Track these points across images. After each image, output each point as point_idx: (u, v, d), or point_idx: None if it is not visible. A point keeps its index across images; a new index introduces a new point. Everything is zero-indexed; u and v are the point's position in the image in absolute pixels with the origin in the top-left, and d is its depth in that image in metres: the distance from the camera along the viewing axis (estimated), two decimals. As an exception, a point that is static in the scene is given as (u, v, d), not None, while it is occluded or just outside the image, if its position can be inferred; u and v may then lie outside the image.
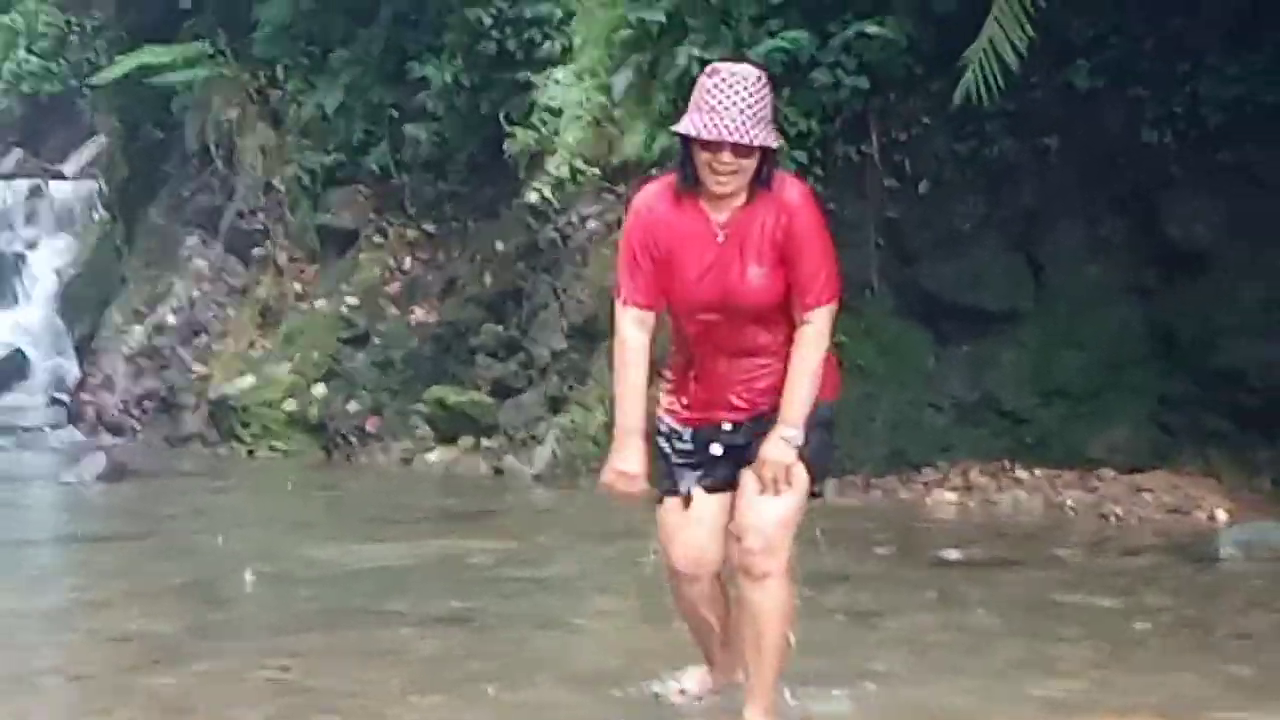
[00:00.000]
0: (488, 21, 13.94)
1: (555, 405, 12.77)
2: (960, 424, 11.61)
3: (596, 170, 12.79)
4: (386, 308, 14.91)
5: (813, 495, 5.42)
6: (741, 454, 5.34)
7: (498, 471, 12.96)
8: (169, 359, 16.60)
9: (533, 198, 13.06)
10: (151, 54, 16.71)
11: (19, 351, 22.03)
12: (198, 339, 16.55)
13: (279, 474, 14.10)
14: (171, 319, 16.85)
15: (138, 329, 17.19)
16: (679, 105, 11.57)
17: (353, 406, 14.50)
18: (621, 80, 11.97)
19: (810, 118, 11.35)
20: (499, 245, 14.08)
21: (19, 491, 13.56)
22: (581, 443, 12.11)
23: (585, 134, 12.82)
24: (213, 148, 16.66)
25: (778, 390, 5.26)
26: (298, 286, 15.79)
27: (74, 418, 17.70)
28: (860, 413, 11.56)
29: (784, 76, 11.29)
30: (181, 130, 17.66)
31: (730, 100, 4.98)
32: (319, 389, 14.70)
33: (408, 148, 15.02)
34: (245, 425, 14.94)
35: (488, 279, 14.12)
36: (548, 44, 13.50)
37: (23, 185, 24.45)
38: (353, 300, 15.09)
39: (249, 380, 15.19)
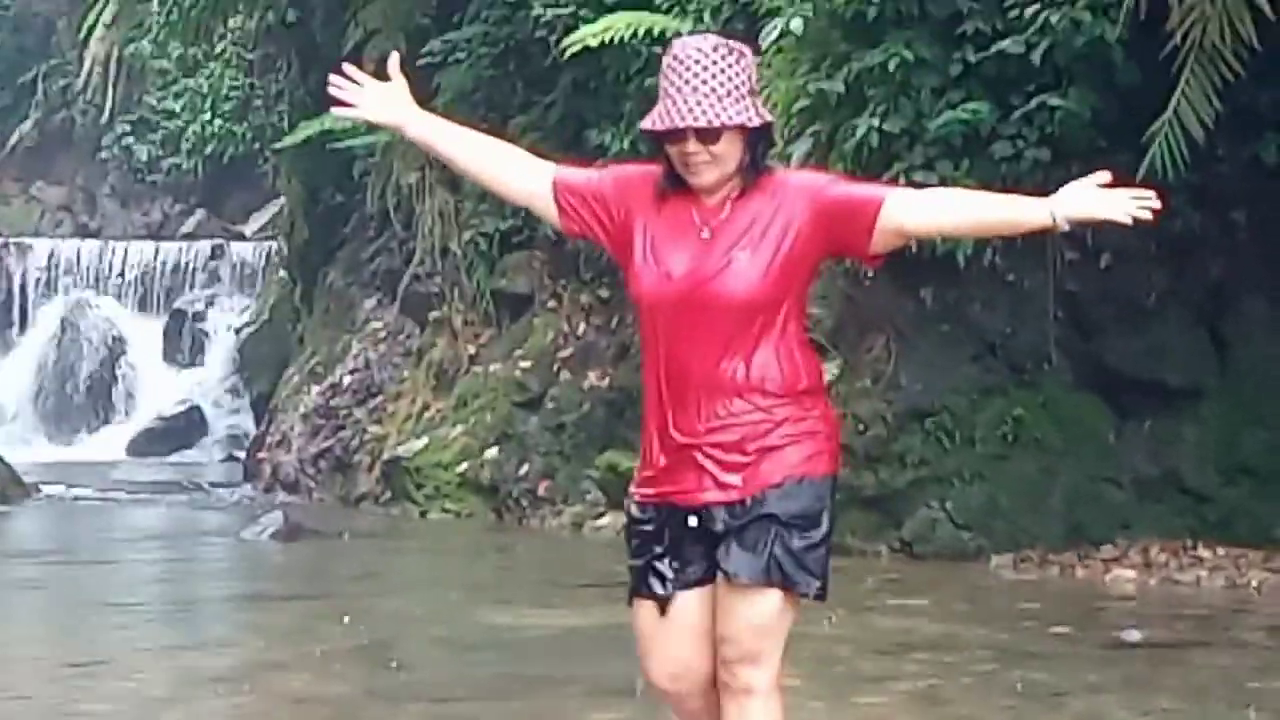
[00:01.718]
0: (665, 90, 14.01)
1: (727, 473, 12.72)
2: (1140, 501, 11.42)
3: (773, 239, 12.78)
4: (560, 372, 14.99)
5: (818, 597, 4.33)
6: (720, 540, 4.31)
7: (668, 538, 12.92)
8: (344, 419, 16.81)
9: (708, 265, 13.07)
10: (334, 119, 16.97)
11: (197, 409, 22.52)
12: (373, 399, 16.75)
13: (451, 535, 14.21)
14: (348, 379, 17.08)
15: (314, 388, 17.44)
16: (857, 175, 11.61)
17: (524, 470, 14.58)
18: (800, 149, 11.96)
19: (990, 189, 11.25)
20: (673, 312, 14.12)
21: (198, 549, 13.80)
22: (753, 511, 12.06)
23: (762, 203, 12.81)
24: (392, 211, 16.90)
25: (762, 457, 4.25)
26: (472, 349, 15.94)
27: (250, 475, 17.98)
28: (1037, 487, 11.43)
29: (964, 148, 11.24)
30: (361, 194, 17.95)
31: (686, 80, 4.17)
32: (491, 451, 14.80)
33: (583, 214, 15.11)
34: (418, 486, 15.07)
35: (661, 345, 14.14)
36: (725, 112, 13.54)
37: (204, 245, 25.04)
38: (526, 364, 15.19)
39: (422, 441, 15.34)
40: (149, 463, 21.04)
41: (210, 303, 23.59)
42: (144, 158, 28.16)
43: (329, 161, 17.99)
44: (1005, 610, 9.78)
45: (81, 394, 23.00)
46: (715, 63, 4.19)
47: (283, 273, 21.15)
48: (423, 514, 14.98)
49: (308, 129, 17.34)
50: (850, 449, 11.70)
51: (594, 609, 9.97)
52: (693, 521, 4.30)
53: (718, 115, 4.15)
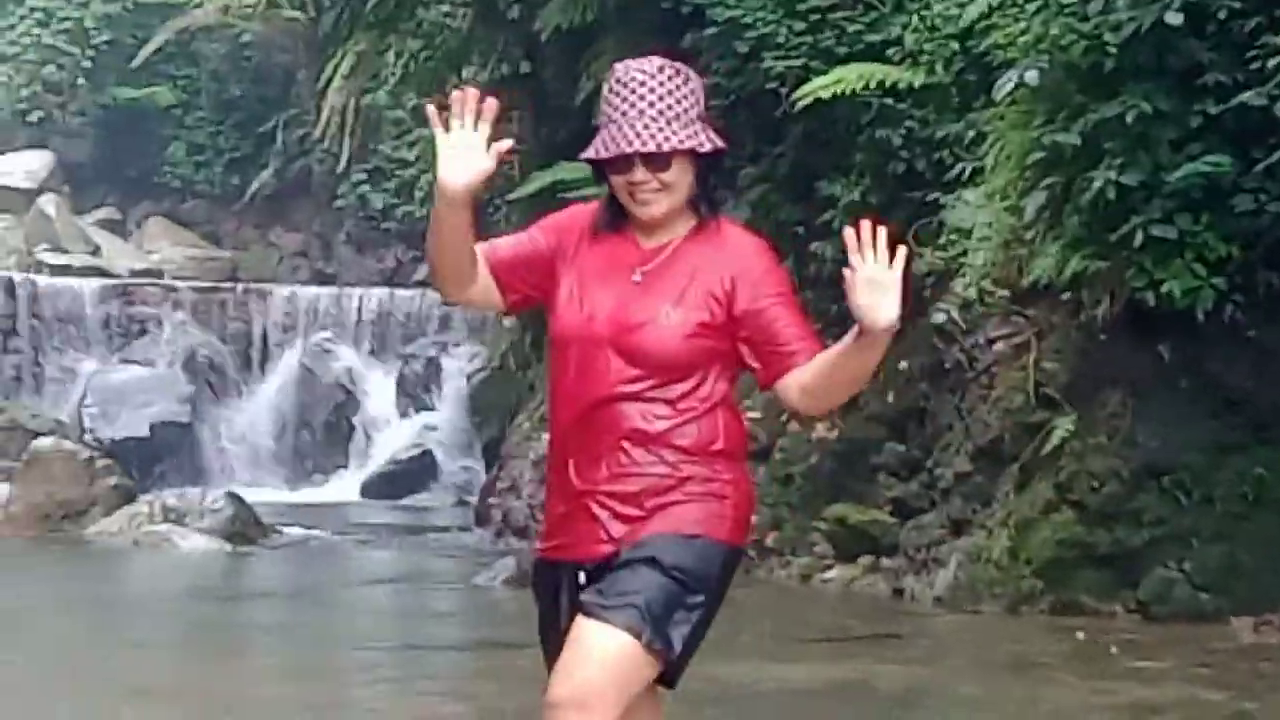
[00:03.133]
0: (897, 141, 13.98)
1: (958, 528, 12.64)
2: (1395, 562, 11.11)
3: (1005, 292, 12.68)
4: (788, 423, 14.99)
5: (666, 683, 4.06)
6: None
7: (897, 592, 12.85)
8: (574, 465, 16.96)
9: (939, 318, 13.01)
10: (566, 170, 17.21)
11: (429, 453, 22.87)
12: (602, 447, 16.87)
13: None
14: (577, 427, 17.23)
15: (545, 435, 17.60)
16: (1092, 228, 11.50)
17: (753, 520, 14.57)
18: (1034, 202, 11.86)
19: (1231, 243, 11.06)
20: (902, 364, 14.04)
21: (431, 594, 14.03)
22: (984, 567, 11.97)
23: (995, 256, 12.73)
24: (622, 261, 17.05)
25: (658, 512, 3.97)
26: (701, 399, 16.01)
27: (480, 520, 18.20)
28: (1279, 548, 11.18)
29: (1204, 201, 11.05)
30: (592, 243, 18.14)
31: (631, 104, 3.95)
32: (720, 502, 14.83)
33: (813, 265, 15.12)
34: (646, 535, 15.14)
35: (890, 397, 14.07)
36: (958, 165, 13.47)
37: (436, 293, 25.46)
38: (754, 415, 15.19)
39: (651, 490, 15.41)
40: (382, 505, 21.44)
41: (443, 349, 23.97)
42: (378, 205, 28.74)
43: (560, 209, 18.20)
44: (1248, 675, 9.57)
45: (317, 437, 23.53)
46: (661, 84, 3.99)
47: (513, 320, 21.42)
48: (650, 563, 15.03)
49: (540, 179, 17.58)
50: (1084, 506, 11.57)
51: (826, 664, 9.97)
52: (582, 578, 4.02)
53: (666, 139, 3.94)
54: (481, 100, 3.95)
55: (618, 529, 3.98)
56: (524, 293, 4.21)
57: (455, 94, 3.99)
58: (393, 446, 22.99)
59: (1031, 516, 11.82)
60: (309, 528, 17.89)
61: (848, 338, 3.89)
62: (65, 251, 27.08)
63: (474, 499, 19.57)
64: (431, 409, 23.45)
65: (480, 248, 4.19)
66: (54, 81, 29.95)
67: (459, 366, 23.36)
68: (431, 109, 4.00)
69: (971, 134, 13.46)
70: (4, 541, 16.58)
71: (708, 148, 3.99)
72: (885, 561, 13.29)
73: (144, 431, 22.20)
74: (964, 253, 13.12)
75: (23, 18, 29.85)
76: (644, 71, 3.98)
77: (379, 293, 25.67)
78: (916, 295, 13.73)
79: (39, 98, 30.08)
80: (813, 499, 14.24)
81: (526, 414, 18.55)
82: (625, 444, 3.98)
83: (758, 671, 9.66)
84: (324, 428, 23.54)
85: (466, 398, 22.65)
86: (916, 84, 13.99)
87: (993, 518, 12.16)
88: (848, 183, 14.50)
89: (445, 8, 21.47)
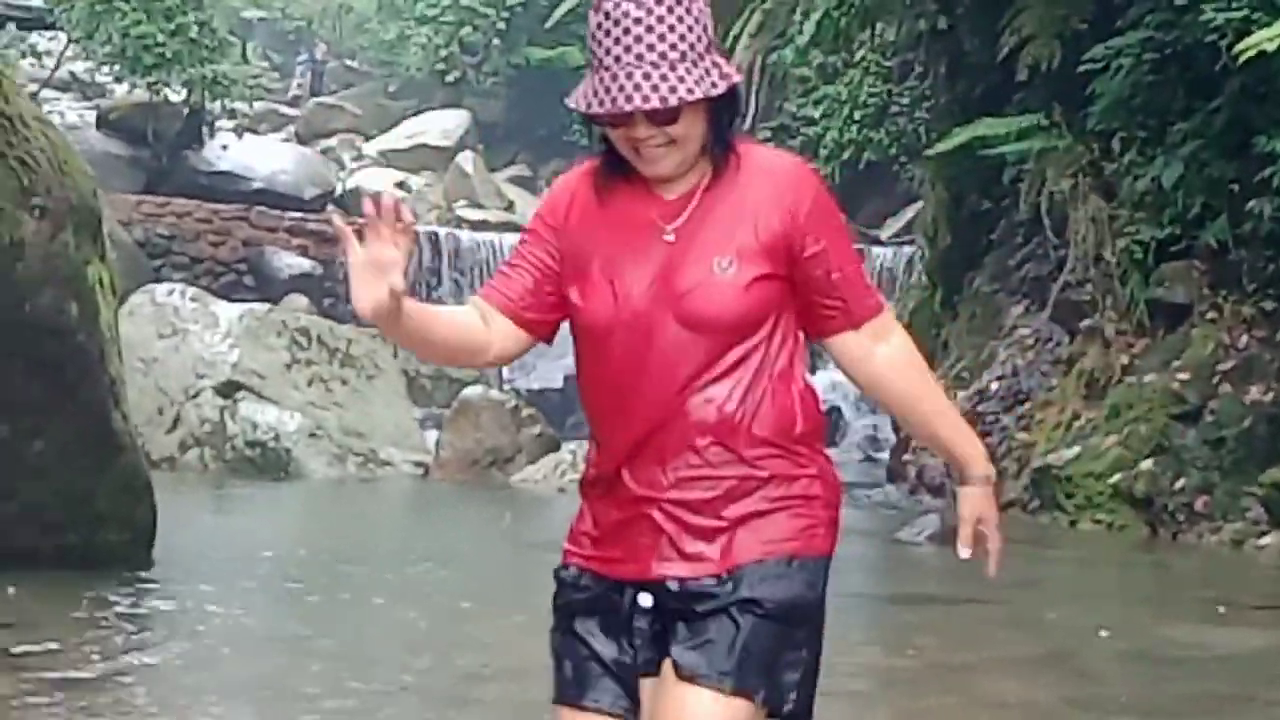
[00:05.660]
0: (1345, 95, 13.51)
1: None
2: None
3: None
4: (1219, 385, 14.62)
5: (793, 716, 3.38)
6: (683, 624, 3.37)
7: (1339, 561, 12.46)
8: (991, 425, 16.84)
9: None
10: (988, 126, 17.08)
11: (836, 409, 22.96)
12: (1021, 406, 16.73)
13: (1104, 547, 14.06)
14: (995, 385, 17.12)
15: (960, 394, 17.54)
16: None
17: (1181, 484, 14.27)
18: None
19: None
20: (1345, 326, 13.60)
21: (855, 548, 14.08)
22: None
23: None
24: (1044, 218, 16.83)
25: (742, 524, 3.35)
26: (1125, 359, 15.71)
27: (893, 477, 18.22)
28: None
29: None
30: (1008, 200, 17.96)
31: (626, 46, 3.23)
32: (1146, 464, 14.54)
33: (1248, 223, 14.69)
34: (1069, 496, 14.95)
35: (1331, 360, 13.64)
36: None
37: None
38: (1184, 375, 14.87)
39: (1073, 450, 15.22)
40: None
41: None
42: (782, 163, 28.91)
43: (976, 168, 18.06)
44: None
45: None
46: (661, 19, 3.24)
47: (923, 277, 21.35)
48: (1072, 524, 14.85)
49: (960, 135, 17.45)
50: None
51: (1275, 631, 9.72)
52: (645, 600, 3.38)
53: (673, 89, 3.23)
54: (397, 209, 3.24)
55: (692, 545, 3.35)
56: (549, 319, 3.54)
57: (367, 202, 3.25)
58: (801, 402, 23.14)
59: None
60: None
61: (949, 454, 3.73)
62: (481, 207, 27.97)
63: (881, 455, 19.59)
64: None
65: (491, 298, 3.54)
66: (470, 42, 30.95)
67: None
68: (337, 220, 3.38)
69: None
70: (435, 485, 17.28)
71: (721, 89, 3.28)
72: (1325, 529, 12.89)
73: (558, 383, 22.78)
74: None
75: (443, -20, 30.89)
76: (637, 3, 3.25)
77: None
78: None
79: (455, 58, 31.12)
80: (1246, 463, 13.86)
81: (941, 371, 18.46)
82: (696, 439, 3.34)
83: (1203, 635, 9.48)
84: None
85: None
86: (1371, 35, 13.44)
87: None
88: (1291, 138, 14.03)
89: (860, -37, 21.45)
